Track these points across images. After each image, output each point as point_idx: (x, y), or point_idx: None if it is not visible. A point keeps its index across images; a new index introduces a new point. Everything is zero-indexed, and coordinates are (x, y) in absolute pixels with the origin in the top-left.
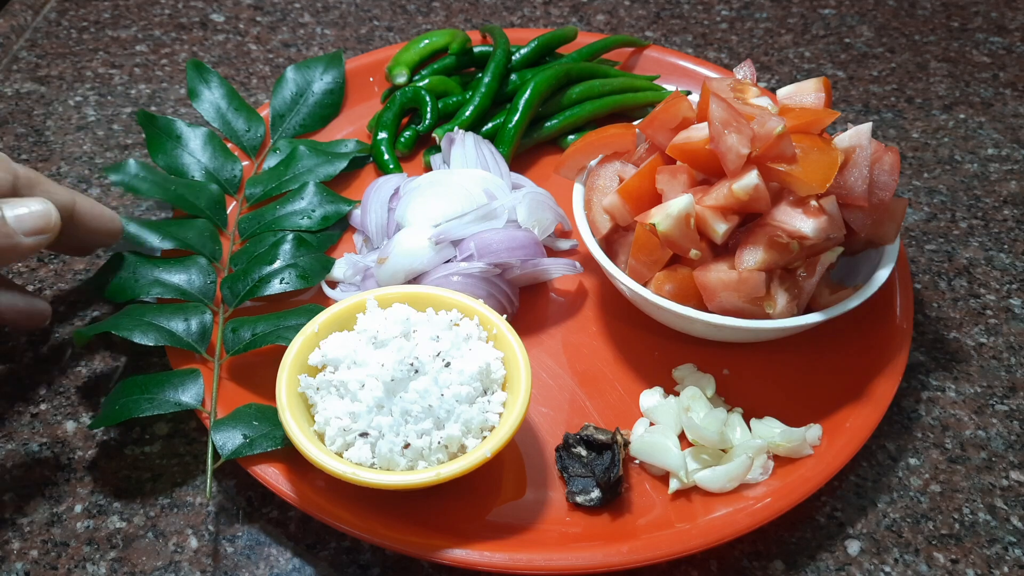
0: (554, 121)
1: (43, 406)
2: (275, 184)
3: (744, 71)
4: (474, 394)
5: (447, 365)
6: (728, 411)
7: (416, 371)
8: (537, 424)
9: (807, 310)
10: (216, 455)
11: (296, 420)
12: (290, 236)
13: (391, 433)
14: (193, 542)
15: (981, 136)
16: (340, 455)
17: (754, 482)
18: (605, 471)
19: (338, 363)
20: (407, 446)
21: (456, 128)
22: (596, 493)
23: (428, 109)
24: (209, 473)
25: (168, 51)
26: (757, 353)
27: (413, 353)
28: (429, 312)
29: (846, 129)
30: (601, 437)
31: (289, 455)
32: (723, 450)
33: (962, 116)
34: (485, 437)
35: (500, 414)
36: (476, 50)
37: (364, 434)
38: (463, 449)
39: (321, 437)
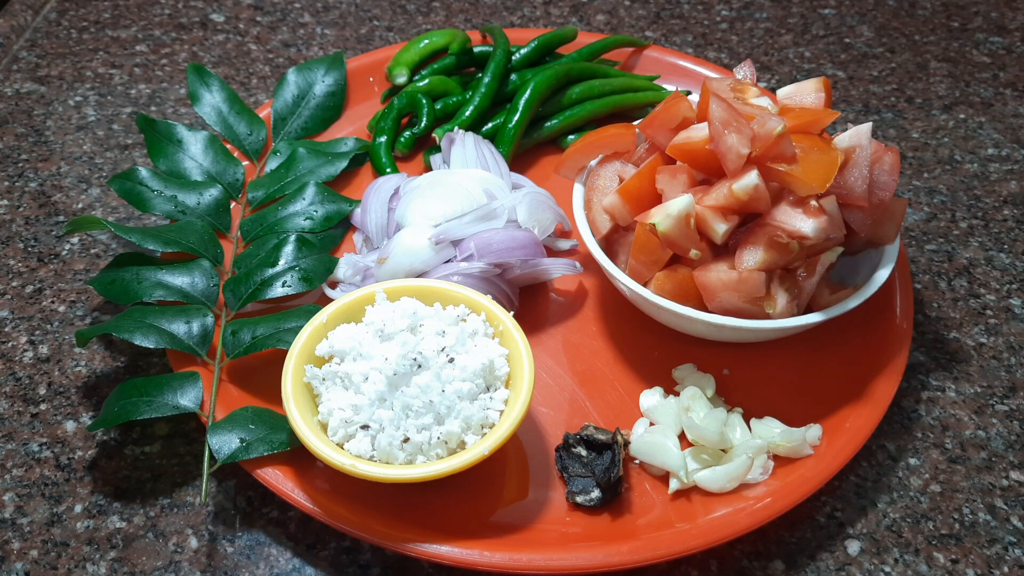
0: (554, 121)
1: (43, 406)
2: (277, 187)
3: (744, 71)
4: (476, 391)
5: (451, 361)
6: (728, 411)
7: (419, 366)
8: (537, 424)
9: (807, 310)
10: (212, 459)
11: (300, 409)
12: (292, 238)
13: (391, 427)
14: (193, 542)
15: (981, 136)
16: (341, 446)
17: (754, 482)
18: (605, 471)
19: (344, 354)
20: (406, 440)
21: (456, 128)
22: (596, 493)
23: (424, 112)
24: (205, 477)
25: (168, 51)
26: (757, 353)
27: (417, 348)
28: (437, 307)
29: (846, 129)
30: (601, 437)
31: (288, 455)
32: (723, 450)
33: (962, 116)
34: (485, 434)
35: (501, 411)
36: (476, 50)
37: (365, 426)
38: (462, 445)
39: (324, 428)
